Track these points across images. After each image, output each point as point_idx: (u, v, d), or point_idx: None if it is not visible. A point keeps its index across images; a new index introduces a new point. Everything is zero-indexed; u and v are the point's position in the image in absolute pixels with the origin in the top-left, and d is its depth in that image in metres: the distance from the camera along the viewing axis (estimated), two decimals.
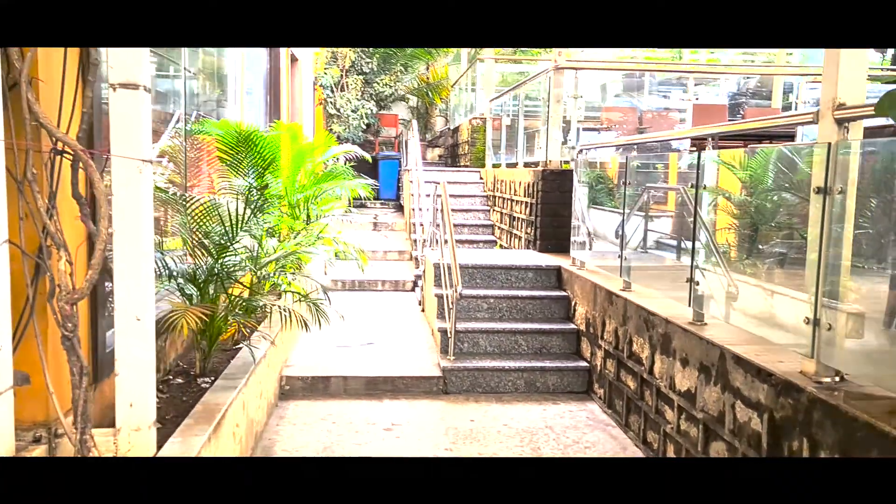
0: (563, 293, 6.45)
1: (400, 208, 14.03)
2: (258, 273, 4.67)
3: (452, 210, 10.49)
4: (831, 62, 3.06)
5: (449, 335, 5.89)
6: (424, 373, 5.75)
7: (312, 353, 6.27)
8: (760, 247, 4.28)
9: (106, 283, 3.22)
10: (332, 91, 14.47)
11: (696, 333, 3.94)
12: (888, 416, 2.60)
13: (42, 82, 2.68)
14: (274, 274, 5.22)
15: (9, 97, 2.55)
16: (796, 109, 11.57)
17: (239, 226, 4.35)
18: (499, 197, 10.09)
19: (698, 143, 8.19)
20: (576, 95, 8.96)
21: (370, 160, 9.04)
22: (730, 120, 10.72)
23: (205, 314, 3.91)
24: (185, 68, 5.70)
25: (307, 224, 6.77)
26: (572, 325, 6.15)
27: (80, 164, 2.67)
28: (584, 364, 5.81)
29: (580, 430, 5.01)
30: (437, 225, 7.38)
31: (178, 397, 4.00)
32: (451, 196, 10.77)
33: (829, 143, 2.98)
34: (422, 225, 9.10)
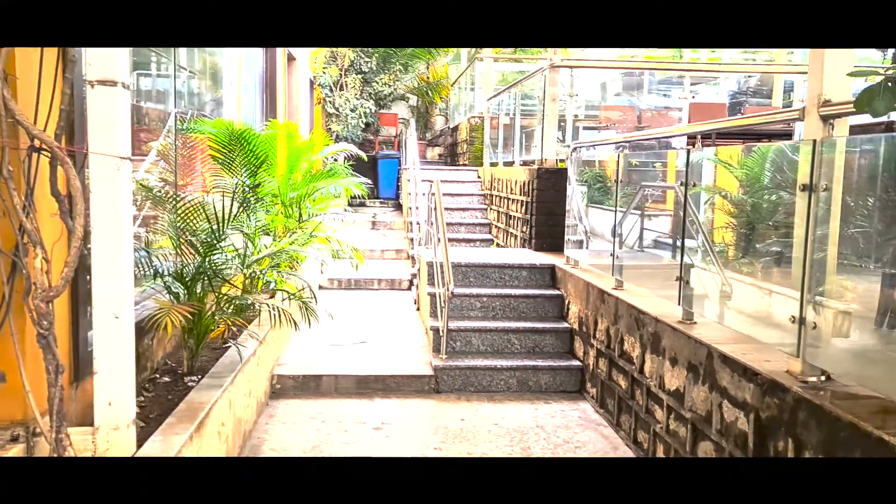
0: (557, 292, 6.42)
1: (399, 207, 14.01)
2: (246, 271, 4.64)
3: (450, 209, 10.48)
4: (817, 58, 3.03)
5: (441, 334, 5.87)
6: (416, 371, 5.73)
7: (305, 351, 6.25)
8: (756, 245, 4.25)
9: (89, 281, 3.20)
10: (332, 90, 14.45)
11: (684, 332, 3.91)
12: (872, 417, 2.57)
13: (18, 79, 2.66)
14: (261, 272, 5.19)
15: None
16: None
17: (226, 224, 4.32)
18: (496, 196, 10.06)
19: (692, 142, 8.17)
20: (571, 94, 8.93)
21: (366, 159, 9.01)
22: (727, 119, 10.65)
23: (190, 312, 3.89)
24: (176, 65, 5.68)
25: (300, 223, 6.74)
26: (566, 324, 6.12)
27: (58, 162, 2.65)
28: (577, 363, 5.78)
29: (571, 430, 4.98)
30: (432, 223, 7.36)
31: (163, 396, 3.98)
32: (448, 195, 10.77)
33: (814, 140, 2.95)
34: (418, 224, 9.08)
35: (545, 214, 7.65)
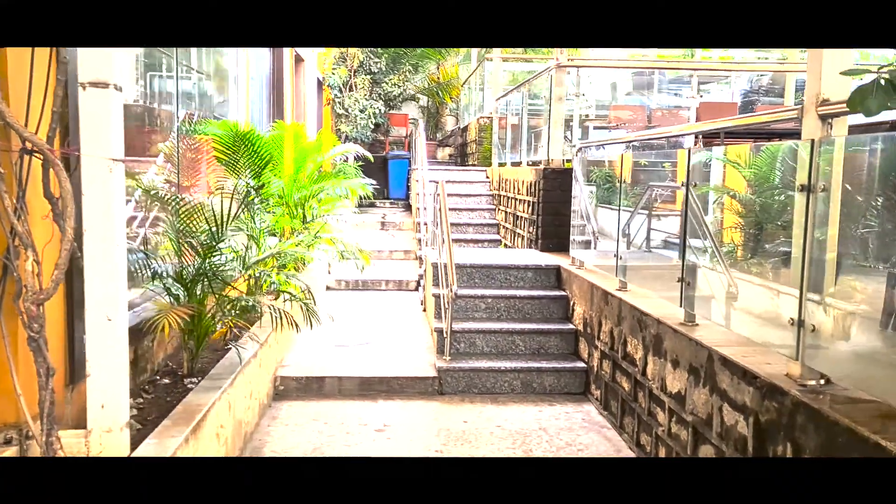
0: (563, 293, 6.38)
1: (409, 208, 14.00)
2: (245, 273, 4.64)
3: (459, 209, 10.47)
4: (815, 57, 2.99)
5: (445, 335, 5.84)
6: (420, 373, 5.71)
7: (309, 352, 6.25)
8: (765, 245, 4.19)
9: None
10: (341, 91, 14.46)
11: (685, 334, 3.86)
12: (870, 422, 2.52)
13: (9, 81, 2.67)
14: (261, 274, 5.19)
15: None
16: None
17: (225, 226, 4.32)
18: (504, 196, 10.03)
19: (703, 141, 8.09)
20: (577, 94, 8.87)
21: (372, 159, 9.00)
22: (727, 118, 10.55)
23: (188, 314, 3.88)
24: (180, 66, 5.69)
25: (304, 224, 6.74)
26: (571, 326, 6.08)
27: (49, 164, 2.65)
28: (582, 365, 5.74)
29: (574, 432, 4.94)
30: (438, 224, 7.34)
31: (162, 398, 3.98)
32: (457, 195, 10.75)
33: (812, 140, 2.90)
34: (426, 224, 9.06)
35: (551, 215, 7.61)
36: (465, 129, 15.63)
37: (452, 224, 10.00)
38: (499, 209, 10.42)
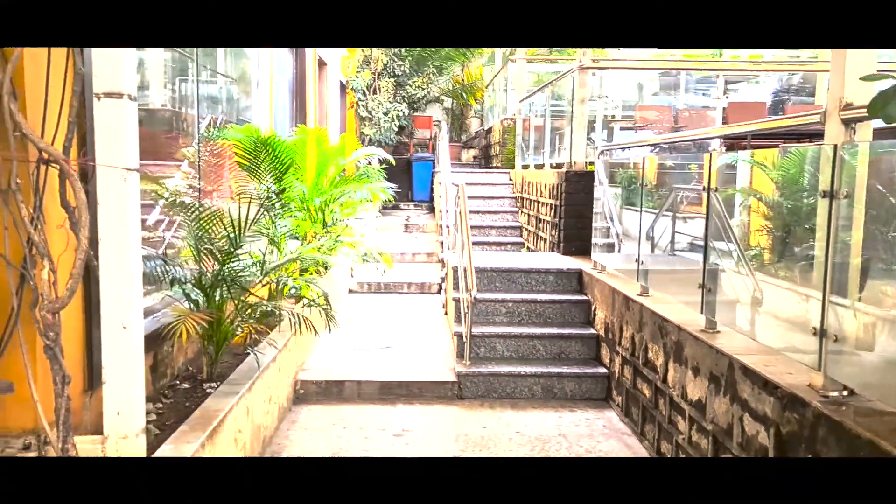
0: (584, 297, 6.33)
1: (433, 210, 14.00)
2: (263, 279, 4.65)
3: (481, 212, 10.44)
4: (838, 59, 2.91)
5: (465, 339, 5.82)
6: (439, 377, 5.70)
7: (330, 356, 6.26)
8: (794, 250, 4.11)
9: None
10: (364, 94, 14.50)
11: (706, 342, 3.80)
12: (892, 435, 2.45)
13: (26, 92, 2.70)
14: (286, 278, 5.21)
15: None
16: None
17: (243, 231, 4.34)
18: (526, 199, 9.98)
19: (729, 143, 7.98)
20: (601, 95, 8.79)
21: (394, 162, 9.01)
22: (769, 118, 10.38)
23: (206, 320, 3.91)
24: (198, 66, 5.74)
25: (325, 228, 6.76)
26: (592, 330, 6.03)
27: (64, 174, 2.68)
28: (604, 370, 5.68)
29: (594, 439, 4.89)
30: (459, 227, 7.32)
31: (181, 403, 4.01)
32: (480, 198, 10.72)
33: (835, 145, 2.83)
34: (448, 227, 9.05)
35: (574, 217, 7.55)
36: (489, 131, 15.59)
37: (475, 227, 9.98)
38: (521, 212, 10.37)
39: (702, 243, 4.57)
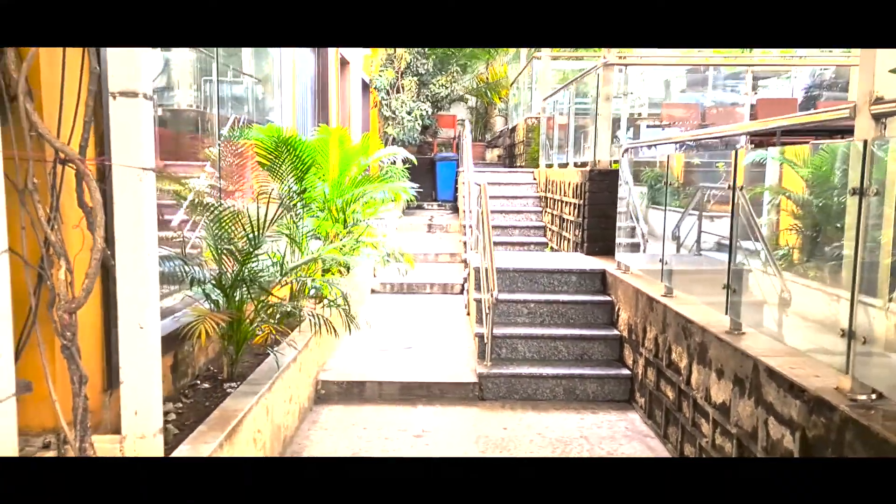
0: (608, 298, 6.25)
1: (456, 210, 13.96)
2: (283, 279, 4.65)
3: (505, 212, 10.38)
4: (867, 53, 2.83)
5: (486, 340, 5.77)
6: (460, 379, 5.65)
7: (352, 356, 6.25)
8: (825, 249, 4.01)
9: None
10: (388, 93, 14.50)
11: (731, 343, 3.72)
12: None
13: (42, 92, 2.71)
14: (308, 279, 5.20)
15: (8, 108, 2.58)
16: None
17: (262, 231, 4.34)
18: (550, 198, 9.90)
19: (758, 140, 7.84)
20: (625, 92, 8.69)
21: (416, 162, 8.98)
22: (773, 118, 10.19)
23: (224, 320, 3.91)
24: (218, 66, 5.76)
25: (346, 228, 6.75)
26: (615, 331, 5.95)
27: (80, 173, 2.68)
28: (627, 372, 5.60)
29: (616, 441, 4.82)
30: (480, 227, 7.27)
31: (201, 402, 4.01)
32: (503, 197, 10.66)
33: (864, 141, 2.75)
34: (470, 227, 9.00)
35: (598, 217, 7.47)
36: (513, 129, 15.51)
37: (498, 227, 9.93)
38: (545, 211, 10.29)
39: (727, 243, 4.49)
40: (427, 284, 9.41)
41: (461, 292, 9.29)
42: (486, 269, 5.98)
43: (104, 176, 3.01)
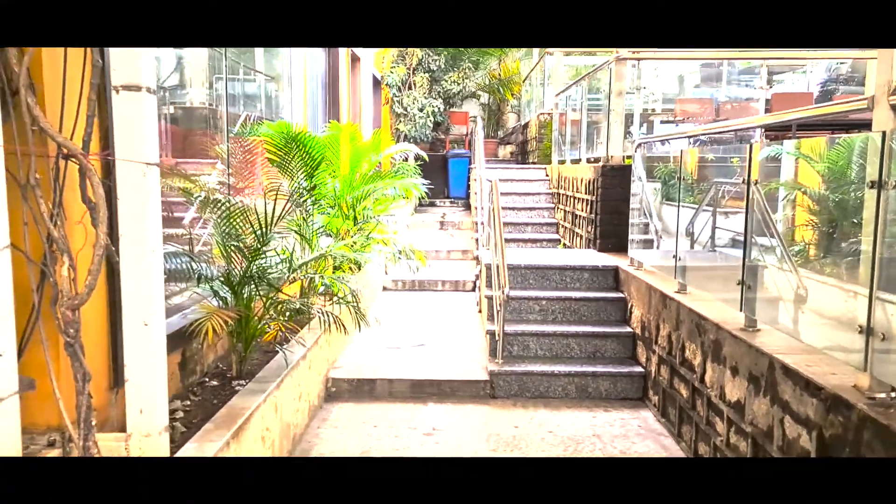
0: (620, 295, 6.17)
1: (469, 207, 13.90)
2: (291, 276, 4.62)
3: (517, 208, 10.31)
4: None
5: (497, 338, 5.72)
6: (471, 376, 5.60)
7: (363, 353, 6.22)
8: (841, 245, 3.92)
9: None
10: (399, 90, 14.45)
11: (745, 340, 3.65)
12: None
13: (45, 87, 2.68)
14: (318, 276, 5.16)
15: (10, 102, 2.55)
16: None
17: (270, 228, 4.31)
18: (562, 194, 9.82)
19: (773, 136, 7.73)
20: (638, 87, 8.59)
21: (427, 159, 8.92)
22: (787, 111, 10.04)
23: (232, 317, 3.88)
24: (226, 64, 5.73)
25: (356, 225, 6.72)
26: (628, 329, 5.87)
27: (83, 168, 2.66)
28: (640, 369, 5.53)
29: (629, 440, 4.75)
30: (492, 224, 7.21)
31: (209, 400, 3.99)
32: (516, 194, 10.59)
33: (883, 132, 2.67)
34: (482, 224, 8.95)
35: (610, 213, 7.39)
36: (526, 126, 15.43)
37: (510, 224, 9.86)
38: (558, 208, 10.22)
39: (742, 239, 4.41)
40: (439, 282, 9.37)
41: (473, 289, 9.23)
42: (498, 266, 5.92)
43: (110, 171, 2.98)
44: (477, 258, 9.69)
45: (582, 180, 8.43)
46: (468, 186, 14.36)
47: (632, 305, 5.92)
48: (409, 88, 14.47)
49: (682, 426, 4.61)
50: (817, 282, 3.66)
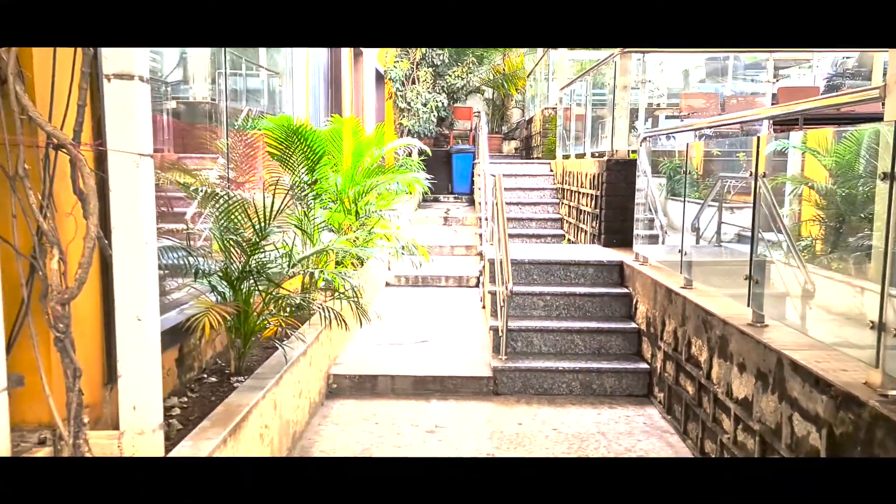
0: (625, 290, 6.09)
1: (473, 202, 13.83)
2: (292, 270, 4.55)
3: (522, 203, 10.23)
4: None
5: (500, 334, 5.64)
6: (474, 373, 5.53)
7: (364, 349, 6.15)
8: (849, 240, 3.84)
9: None
10: (403, 84, 14.36)
11: (753, 336, 3.57)
12: None
13: (35, 76, 2.62)
14: (319, 271, 5.10)
15: None
16: None
17: (269, 222, 4.24)
18: (567, 189, 9.74)
19: (780, 130, 7.63)
20: (643, 80, 8.50)
21: (430, 153, 8.84)
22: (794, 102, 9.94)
23: (230, 312, 3.81)
24: (225, 59, 5.67)
25: (358, 220, 6.65)
26: (633, 325, 5.79)
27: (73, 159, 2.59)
28: (645, 366, 5.45)
29: (634, 437, 4.68)
30: (495, 219, 7.14)
31: (206, 397, 3.93)
32: (520, 189, 10.52)
33: (895, 122, 2.59)
34: (486, 219, 8.87)
35: (615, 208, 7.31)
36: (530, 121, 15.34)
37: (515, 219, 9.79)
38: (562, 203, 10.13)
39: (748, 234, 4.33)
40: (442, 277, 9.30)
41: (476, 285, 9.16)
42: (501, 261, 5.85)
43: (103, 162, 2.92)
44: (481, 254, 9.61)
45: (586, 175, 8.35)
46: (472, 182, 14.29)
47: (637, 301, 5.84)
48: (413, 83, 14.38)
49: (688, 423, 4.53)
50: (824, 277, 3.58)
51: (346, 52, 9.24)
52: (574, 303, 6.07)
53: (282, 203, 4.38)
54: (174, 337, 3.92)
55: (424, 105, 14.16)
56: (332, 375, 5.51)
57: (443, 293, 8.93)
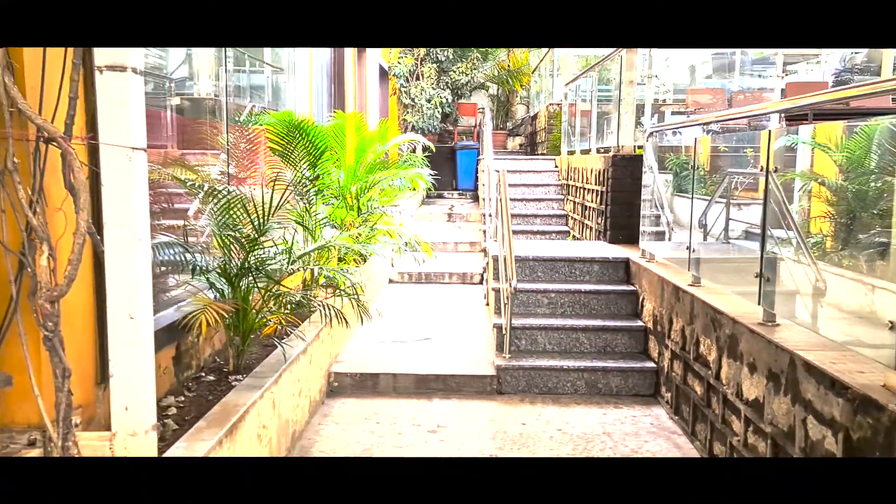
0: (631, 287, 6.00)
1: (477, 199, 13.73)
2: (291, 267, 4.46)
3: (526, 200, 10.14)
4: None
5: (504, 332, 5.55)
6: (478, 371, 5.45)
7: (366, 347, 6.07)
8: (860, 236, 3.73)
9: None
10: (407, 80, 14.25)
11: (764, 336, 3.47)
12: None
13: (25, 68, 2.53)
14: (311, 269, 5.01)
15: None
16: None
17: (267, 217, 4.15)
18: (572, 185, 9.64)
19: (789, 125, 7.51)
20: (649, 75, 8.40)
21: (434, 149, 8.75)
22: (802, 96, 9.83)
23: (227, 310, 3.73)
24: (225, 55, 5.58)
25: (360, 216, 6.56)
26: (640, 323, 5.69)
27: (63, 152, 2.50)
28: (652, 365, 5.35)
29: (641, 438, 4.58)
30: (499, 215, 7.05)
31: (204, 396, 3.85)
32: (524, 185, 10.42)
33: None
34: (490, 216, 8.78)
35: (621, 204, 7.20)
36: (535, 117, 15.23)
37: (519, 215, 9.70)
38: (567, 199, 10.03)
39: (758, 231, 4.22)
40: (446, 274, 9.20)
41: (480, 282, 9.07)
42: (505, 258, 5.75)
43: (96, 156, 2.83)
44: (485, 250, 9.52)
45: (592, 171, 8.25)
46: (476, 178, 14.19)
47: (643, 298, 5.75)
48: (417, 79, 14.27)
49: (697, 424, 4.44)
50: (835, 275, 3.48)
51: (350, 49, 9.14)
52: (579, 300, 5.98)
53: (281, 199, 4.29)
54: (171, 335, 3.84)
55: (428, 101, 14.06)
56: (333, 373, 5.43)
57: (446, 290, 8.83)
